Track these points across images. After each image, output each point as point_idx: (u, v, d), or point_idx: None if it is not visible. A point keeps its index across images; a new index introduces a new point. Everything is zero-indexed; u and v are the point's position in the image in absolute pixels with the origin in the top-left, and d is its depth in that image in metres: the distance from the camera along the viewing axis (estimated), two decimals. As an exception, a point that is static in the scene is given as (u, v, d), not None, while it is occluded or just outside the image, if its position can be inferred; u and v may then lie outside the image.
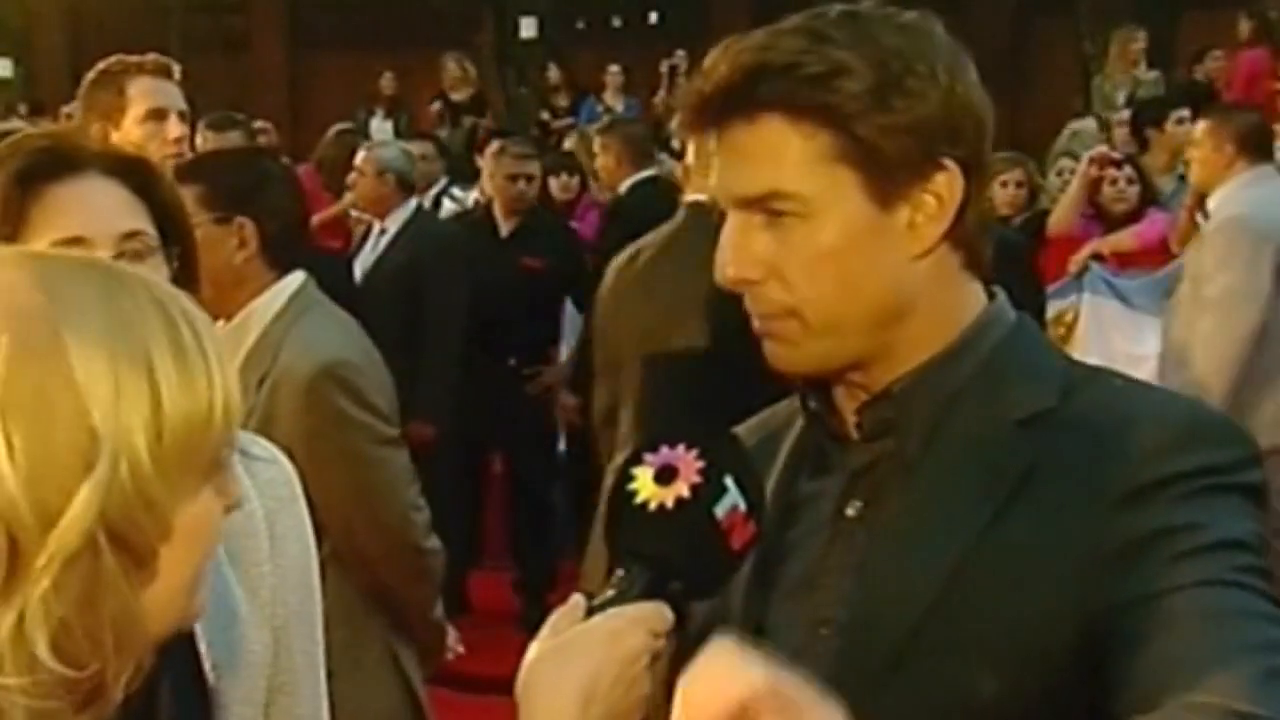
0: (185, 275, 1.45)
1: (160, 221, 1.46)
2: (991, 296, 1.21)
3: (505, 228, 5.59)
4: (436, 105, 10.43)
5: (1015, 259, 4.02)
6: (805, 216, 1.12)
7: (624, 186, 5.88)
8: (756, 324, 1.18)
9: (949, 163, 1.14)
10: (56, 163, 1.42)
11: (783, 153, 1.12)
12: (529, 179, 5.58)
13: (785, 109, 1.11)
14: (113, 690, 0.93)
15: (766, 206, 1.13)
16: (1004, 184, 5.65)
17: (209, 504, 0.98)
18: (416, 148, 7.03)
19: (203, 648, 1.37)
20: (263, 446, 1.55)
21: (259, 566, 1.47)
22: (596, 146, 6.23)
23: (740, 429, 1.27)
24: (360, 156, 5.40)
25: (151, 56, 3.37)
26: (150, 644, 0.96)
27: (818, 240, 1.12)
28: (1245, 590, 1.01)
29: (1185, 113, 6.28)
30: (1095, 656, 1.04)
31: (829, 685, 1.01)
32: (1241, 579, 1.01)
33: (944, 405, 1.16)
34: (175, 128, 3.19)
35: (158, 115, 3.17)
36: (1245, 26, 8.66)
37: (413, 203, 5.38)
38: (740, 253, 1.14)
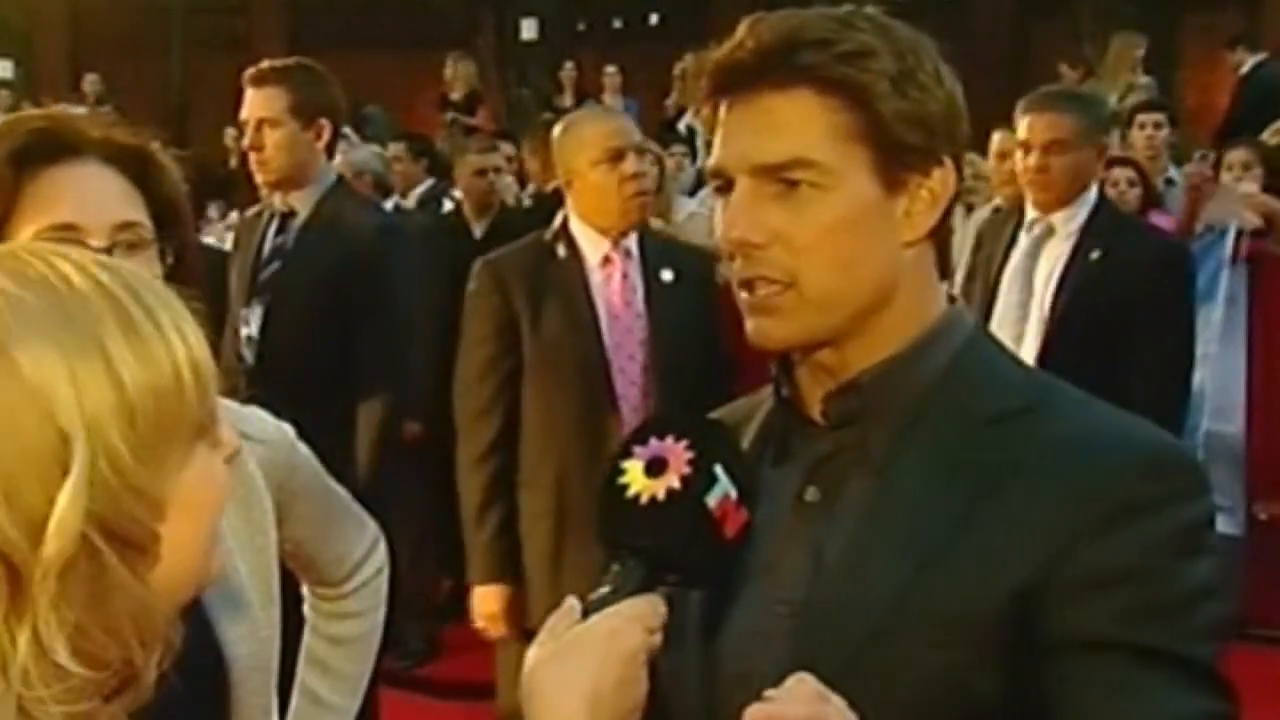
0: (180, 271, 1.41)
1: (157, 214, 1.43)
2: (951, 300, 1.25)
3: (478, 228, 5.52)
4: (449, 113, 10.31)
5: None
6: (821, 188, 1.15)
7: (551, 188, 5.88)
8: (744, 297, 1.19)
9: (946, 159, 1.19)
10: (54, 145, 1.38)
11: (809, 123, 1.16)
12: (496, 170, 5.54)
13: (817, 81, 1.15)
14: (146, 674, 0.92)
15: (783, 176, 1.16)
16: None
17: (205, 464, 0.96)
18: (390, 150, 7.03)
19: (221, 638, 1.38)
20: (256, 422, 1.55)
21: (266, 549, 1.48)
22: (525, 150, 6.23)
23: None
24: (335, 163, 5.40)
25: (256, 68, 3.54)
26: (174, 619, 0.95)
27: (829, 213, 1.16)
28: (1180, 666, 1.07)
29: (1154, 116, 6.33)
30: (1032, 672, 1.08)
31: (788, 665, 1.04)
32: (1182, 649, 1.07)
33: (913, 402, 1.19)
34: (246, 136, 3.47)
35: (244, 125, 3.49)
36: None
37: (389, 203, 5.39)
38: (749, 217, 1.16)
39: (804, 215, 1.15)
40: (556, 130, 3.39)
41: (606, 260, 3.29)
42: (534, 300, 3.25)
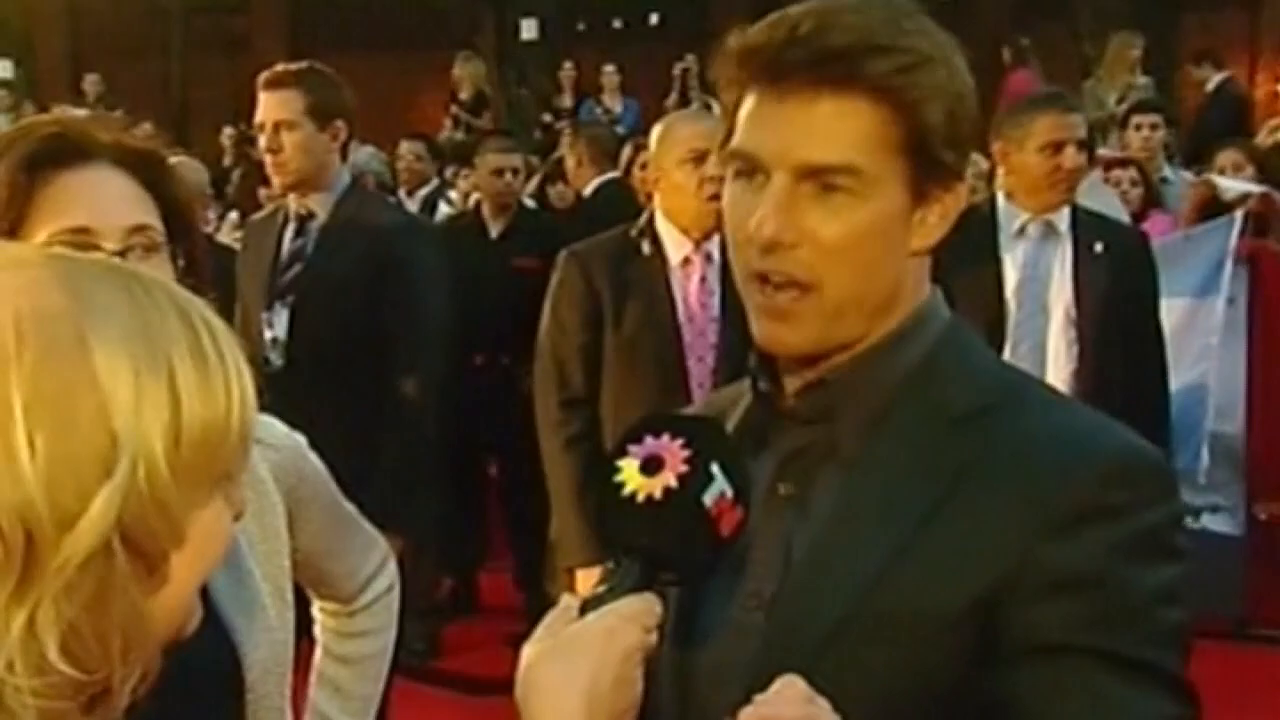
0: (190, 274, 1.42)
1: (167, 217, 1.44)
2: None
3: (495, 228, 5.53)
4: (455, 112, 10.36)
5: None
6: (858, 195, 1.15)
7: (589, 189, 5.92)
8: (763, 298, 1.18)
9: (966, 177, 1.20)
10: (66, 150, 1.40)
11: (861, 131, 1.14)
12: (514, 171, 5.55)
13: (875, 90, 1.14)
14: (118, 695, 0.92)
15: (825, 179, 1.15)
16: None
17: (220, 513, 0.98)
18: (408, 148, 7.02)
19: (238, 642, 1.38)
20: (267, 429, 1.55)
21: (279, 552, 1.48)
22: (563, 147, 6.28)
23: (689, 411, 1.30)
24: None
25: (271, 71, 3.53)
26: (157, 650, 0.96)
27: (862, 219, 1.15)
28: (1140, 670, 1.07)
29: (1150, 118, 6.32)
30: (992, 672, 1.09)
31: (759, 659, 1.06)
32: (1142, 654, 1.07)
33: (882, 399, 1.19)
34: (263, 139, 3.47)
35: (260, 128, 3.47)
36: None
37: (390, 201, 5.42)
38: (785, 216, 1.15)
39: (837, 219, 1.15)
40: (656, 128, 3.48)
41: (686, 261, 3.38)
42: (617, 293, 3.34)
